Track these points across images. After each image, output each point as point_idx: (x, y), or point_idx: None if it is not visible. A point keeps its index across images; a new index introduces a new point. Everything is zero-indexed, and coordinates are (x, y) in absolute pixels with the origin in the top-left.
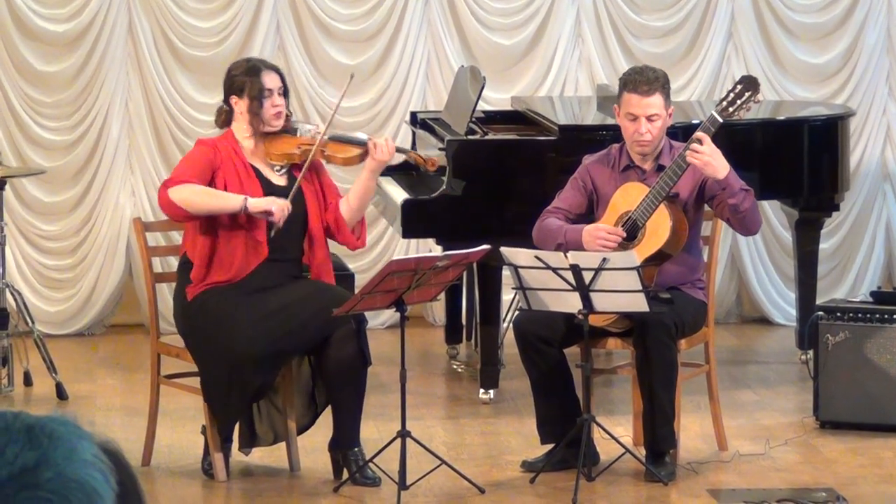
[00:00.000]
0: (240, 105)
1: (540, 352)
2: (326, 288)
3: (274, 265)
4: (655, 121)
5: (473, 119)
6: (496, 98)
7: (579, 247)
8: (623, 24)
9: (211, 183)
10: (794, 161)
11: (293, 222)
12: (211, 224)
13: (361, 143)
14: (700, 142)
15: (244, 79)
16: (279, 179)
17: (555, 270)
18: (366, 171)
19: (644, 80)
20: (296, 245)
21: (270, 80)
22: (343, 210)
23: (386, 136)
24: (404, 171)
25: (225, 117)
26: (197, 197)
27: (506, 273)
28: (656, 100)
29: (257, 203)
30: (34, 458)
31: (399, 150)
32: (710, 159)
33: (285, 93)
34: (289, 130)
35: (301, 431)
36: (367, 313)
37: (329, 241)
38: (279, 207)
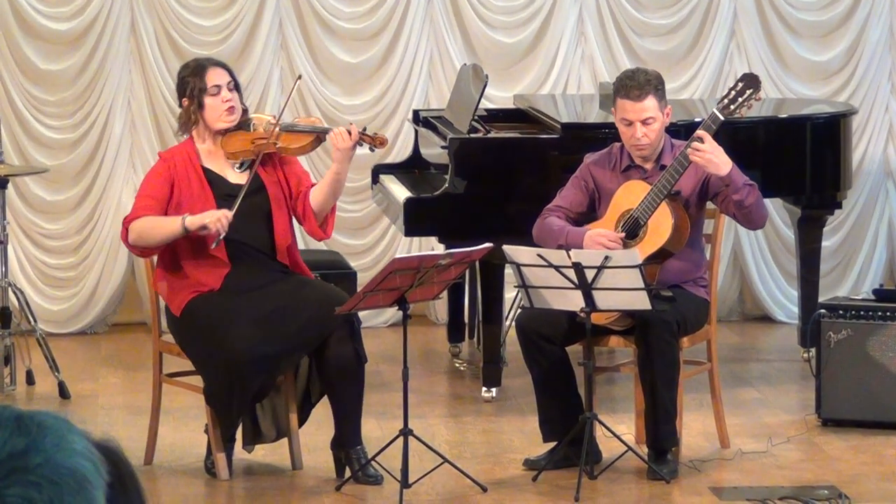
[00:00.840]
0: (192, 106)
1: (542, 350)
2: (324, 286)
3: (247, 266)
4: (651, 123)
5: (476, 117)
6: (499, 96)
7: (580, 249)
8: (626, 21)
9: (170, 198)
10: (796, 159)
11: (256, 216)
12: (171, 251)
13: (314, 131)
14: (701, 140)
15: (189, 79)
16: (238, 178)
17: (557, 268)
18: (335, 164)
19: (635, 84)
20: (262, 240)
21: (217, 76)
22: (312, 199)
23: (349, 124)
24: (406, 170)
25: (183, 123)
26: (145, 232)
27: (508, 271)
28: (649, 102)
29: (192, 221)
30: (23, 444)
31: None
32: (712, 156)
33: (237, 88)
34: (243, 125)
35: (297, 425)
36: (369, 311)
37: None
38: (213, 220)
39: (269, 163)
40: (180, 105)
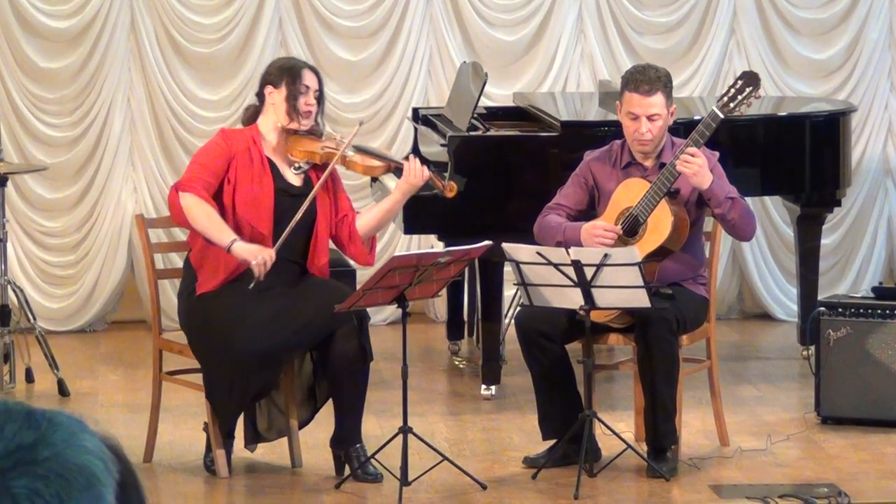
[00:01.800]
0: (273, 96)
1: (542, 348)
2: (328, 284)
3: (278, 264)
4: (656, 120)
5: (475, 115)
6: (498, 94)
7: (578, 244)
8: (625, 19)
9: (224, 176)
10: (795, 157)
11: (301, 226)
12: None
13: (385, 159)
14: (693, 154)
15: (284, 71)
16: (294, 178)
17: (556, 266)
18: (396, 193)
19: (645, 79)
20: (300, 247)
21: (310, 79)
22: (360, 224)
23: (422, 165)
24: None
25: (252, 113)
26: (199, 215)
27: (507, 269)
28: (657, 99)
29: (240, 250)
30: (32, 437)
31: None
32: (700, 170)
33: (320, 98)
34: (314, 132)
35: (300, 427)
36: (368, 310)
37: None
38: (259, 263)
39: (327, 179)
40: (258, 95)
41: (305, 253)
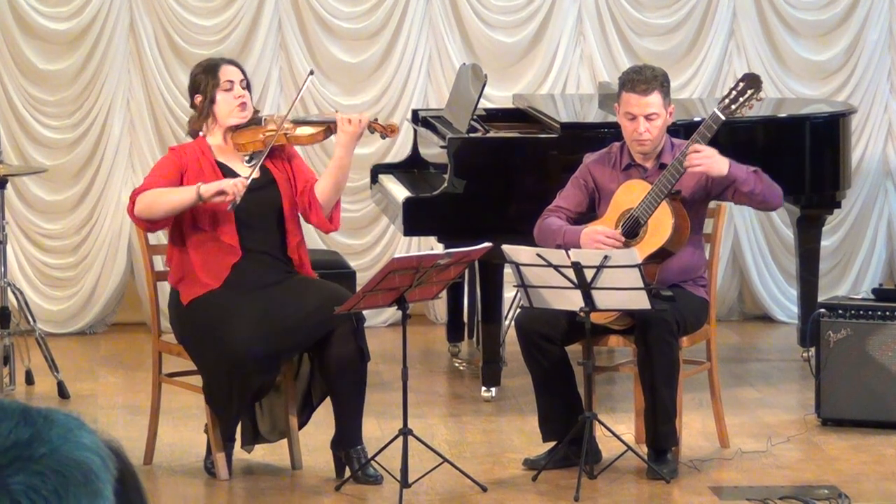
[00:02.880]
0: (204, 102)
1: (542, 349)
2: (325, 286)
3: (256, 260)
4: (654, 120)
5: (475, 117)
6: (498, 96)
7: (577, 248)
8: (625, 21)
9: (180, 185)
10: (795, 158)
11: (266, 211)
12: (180, 236)
13: (325, 121)
14: (696, 152)
15: (202, 76)
16: (248, 171)
17: (556, 268)
18: (337, 147)
19: (642, 79)
20: (272, 236)
21: (230, 73)
22: (318, 190)
23: (360, 113)
24: (405, 170)
25: (193, 124)
26: (154, 202)
27: (507, 271)
28: (654, 99)
29: (208, 188)
30: (28, 434)
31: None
32: (710, 161)
33: (248, 86)
34: (255, 122)
35: (298, 428)
36: (368, 312)
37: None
38: (230, 185)
39: (278, 158)
40: (192, 105)
41: (281, 240)
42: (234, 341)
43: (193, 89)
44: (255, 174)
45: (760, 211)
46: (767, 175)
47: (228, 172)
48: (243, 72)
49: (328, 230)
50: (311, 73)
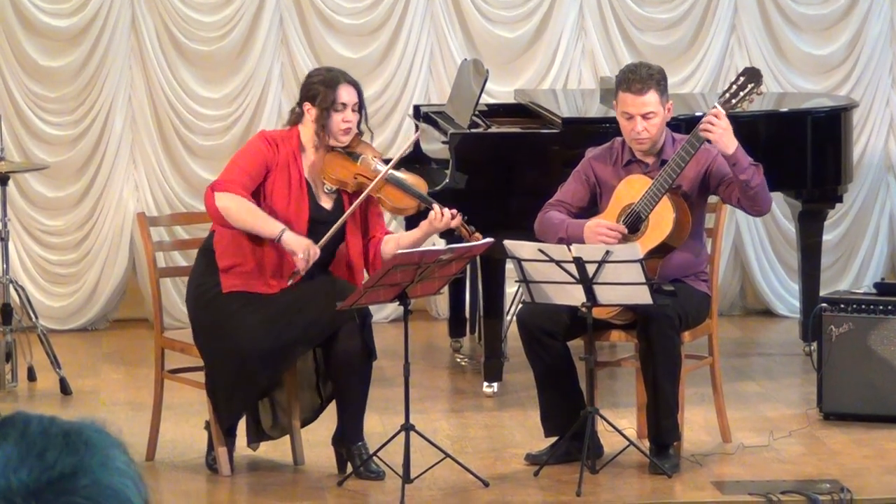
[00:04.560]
0: (312, 112)
1: (543, 345)
2: (332, 282)
3: (302, 282)
4: (651, 118)
5: (476, 112)
6: (499, 91)
7: (580, 241)
8: (626, 16)
9: (262, 184)
10: (797, 153)
11: (326, 247)
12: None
13: (419, 198)
14: (716, 116)
15: (320, 88)
16: (326, 201)
17: (558, 263)
18: (418, 231)
19: (637, 78)
20: (323, 267)
21: (347, 95)
22: (385, 249)
23: (452, 210)
24: (407, 165)
25: (295, 117)
26: (239, 212)
27: (509, 266)
28: (651, 97)
29: (291, 240)
30: (71, 465)
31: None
32: (722, 133)
33: (360, 109)
34: (352, 154)
35: (304, 425)
36: (370, 307)
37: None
38: (303, 259)
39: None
40: (299, 106)
41: (327, 271)
42: (243, 338)
43: (307, 97)
44: (329, 205)
45: (748, 213)
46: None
47: (311, 197)
48: (360, 93)
49: None
50: (418, 131)
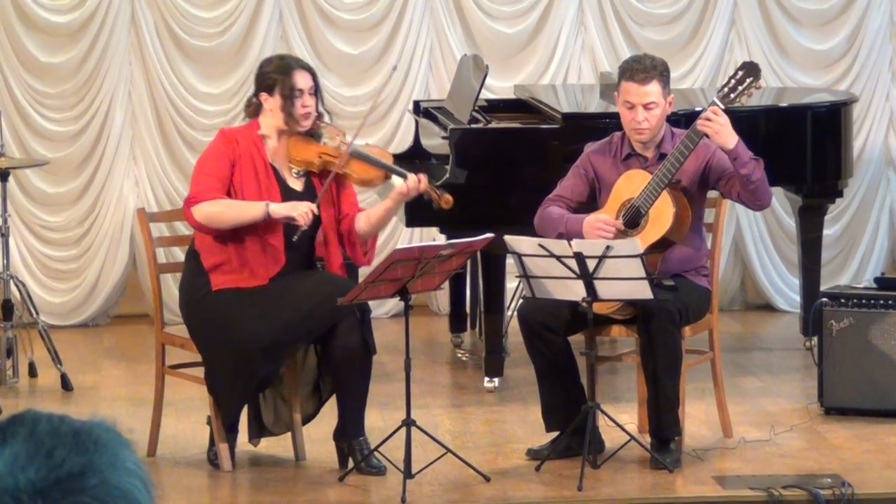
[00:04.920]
0: (269, 102)
1: (544, 340)
2: (331, 278)
3: (292, 269)
4: (653, 109)
5: (476, 108)
6: (499, 86)
7: (579, 237)
8: (626, 11)
9: (230, 179)
10: (797, 148)
11: (306, 241)
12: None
13: (384, 168)
14: (714, 113)
15: (276, 76)
16: (295, 183)
17: (559, 258)
18: (390, 201)
19: (641, 68)
20: (307, 252)
21: (302, 80)
22: (358, 225)
23: (420, 175)
24: (407, 161)
25: (254, 109)
26: (219, 215)
27: (509, 261)
28: (653, 88)
29: (279, 210)
30: (80, 465)
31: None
32: (721, 129)
33: (316, 92)
34: (314, 135)
35: (306, 421)
36: (371, 303)
37: None
38: (302, 214)
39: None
40: (255, 96)
41: (312, 252)
42: (241, 332)
43: (261, 87)
44: (299, 187)
45: (748, 207)
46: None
47: (280, 179)
48: (315, 77)
49: (362, 264)
50: (373, 105)
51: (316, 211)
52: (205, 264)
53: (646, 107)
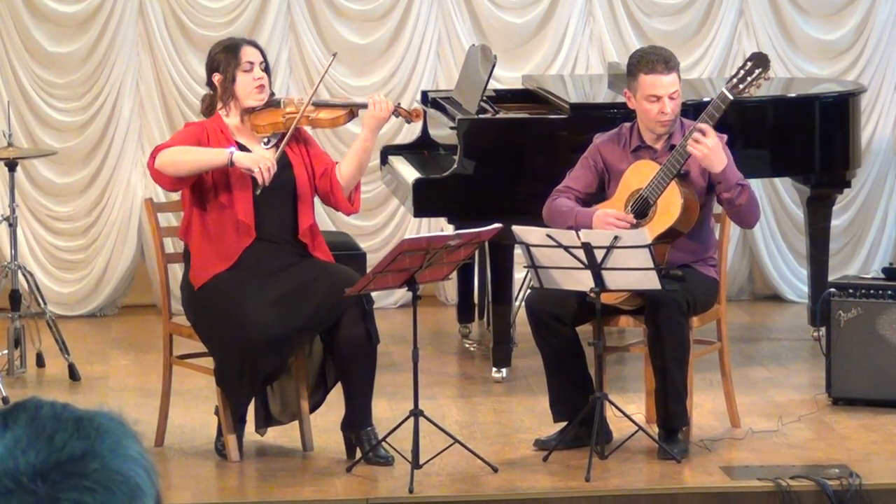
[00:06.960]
0: (223, 82)
1: (552, 330)
2: (336, 269)
3: (269, 243)
4: (676, 98)
5: (484, 98)
6: (507, 77)
7: (589, 230)
8: (634, 1)
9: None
10: (805, 138)
11: (281, 195)
12: (200, 210)
13: (347, 105)
14: (703, 133)
15: (223, 55)
16: (268, 153)
17: (567, 249)
18: (364, 130)
19: (661, 59)
20: (285, 219)
21: (251, 54)
22: (340, 173)
23: (382, 95)
24: (415, 151)
25: (209, 103)
26: (181, 155)
27: (518, 252)
28: (675, 76)
29: (242, 159)
30: (81, 448)
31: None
32: (710, 152)
33: (267, 69)
34: (272, 104)
35: (312, 409)
36: (378, 293)
37: (328, 211)
38: (262, 168)
39: (294, 142)
40: (209, 83)
41: (294, 225)
42: (247, 324)
43: (212, 68)
44: (272, 155)
45: (733, 221)
46: (752, 189)
47: (247, 152)
48: (263, 54)
49: (349, 212)
50: (335, 55)
51: (274, 168)
52: (192, 262)
53: (670, 96)
